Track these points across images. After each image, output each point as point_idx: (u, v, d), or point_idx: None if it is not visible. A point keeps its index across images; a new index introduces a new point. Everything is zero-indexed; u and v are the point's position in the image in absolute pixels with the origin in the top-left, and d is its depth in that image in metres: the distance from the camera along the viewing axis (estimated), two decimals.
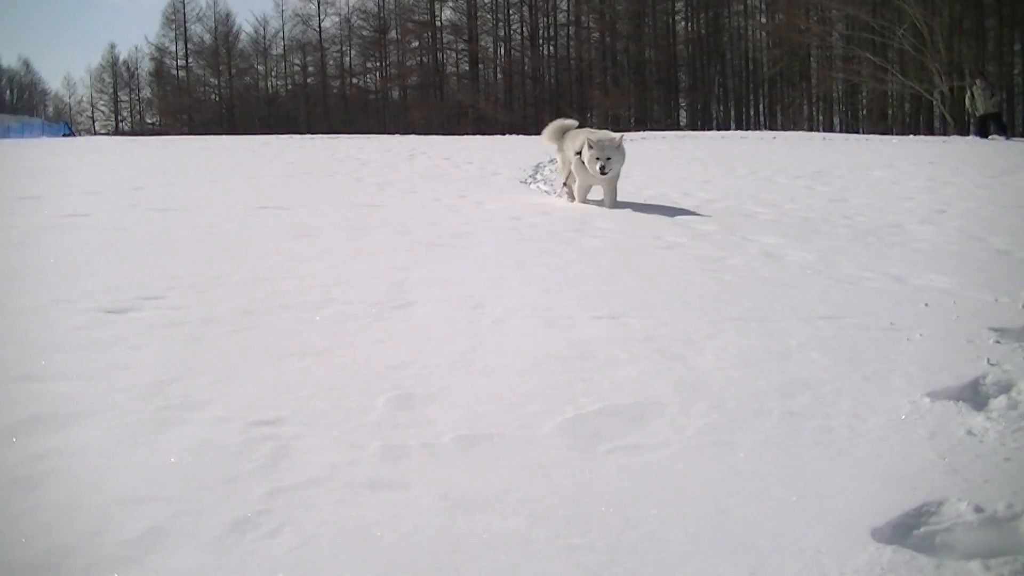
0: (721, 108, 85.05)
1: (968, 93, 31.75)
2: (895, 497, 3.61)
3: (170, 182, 15.31)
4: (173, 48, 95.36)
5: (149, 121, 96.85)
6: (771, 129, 64.18)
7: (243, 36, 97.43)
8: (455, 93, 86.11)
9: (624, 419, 4.35)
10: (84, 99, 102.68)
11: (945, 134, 46.19)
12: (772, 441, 4.16)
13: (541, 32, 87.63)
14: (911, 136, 39.33)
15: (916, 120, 67.18)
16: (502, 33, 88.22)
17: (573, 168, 12.13)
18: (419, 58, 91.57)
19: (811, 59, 75.51)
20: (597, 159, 11.58)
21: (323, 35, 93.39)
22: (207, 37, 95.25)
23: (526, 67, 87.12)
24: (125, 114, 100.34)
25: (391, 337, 5.68)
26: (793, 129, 61.06)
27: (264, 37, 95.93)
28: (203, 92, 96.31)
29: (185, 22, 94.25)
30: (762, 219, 11.30)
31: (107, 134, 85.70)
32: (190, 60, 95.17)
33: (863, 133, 51.29)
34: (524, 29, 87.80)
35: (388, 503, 3.48)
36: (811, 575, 3.08)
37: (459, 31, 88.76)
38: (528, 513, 3.43)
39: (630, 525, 3.37)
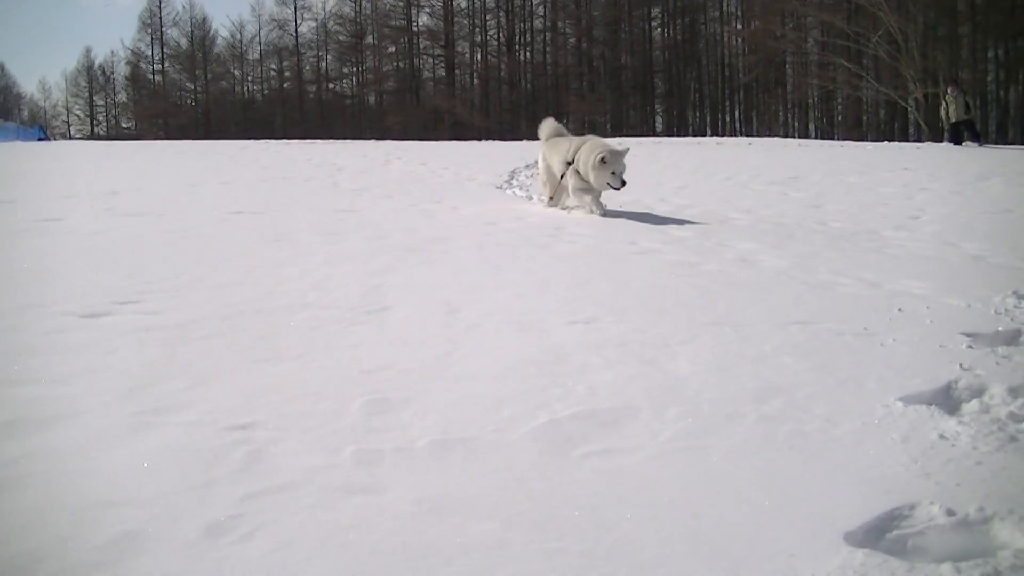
0: (697, 114, 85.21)
1: (942, 101, 31.87)
2: (868, 500, 3.63)
3: (145, 187, 15.29)
4: (149, 52, 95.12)
5: (125, 126, 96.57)
6: (747, 135, 64.52)
7: (219, 40, 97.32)
8: (431, 98, 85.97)
9: (598, 423, 4.37)
10: (59, 103, 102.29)
11: (919, 141, 46.30)
12: (746, 445, 4.18)
13: (518, 38, 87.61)
14: (886, 142, 39.51)
15: (891, 126, 67.40)
16: (479, 38, 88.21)
17: (571, 181, 11.97)
18: (395, 63, 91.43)
19: (787, 65, 75.70)
20: (613, 173, 11.54)
21: (300, 40, 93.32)
22: (183, 41, 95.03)
23: (502, 73, 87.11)
24: (101, 118, 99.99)
25: (366, 342, 5.69)
26: (769, 135, 61.28)
27: (240, 42, 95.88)
28: (179, 97, 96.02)
29: (161, 26, 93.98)
30: (737, 225, 11.33)
31: (82, 138, 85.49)
32: (166, 64, 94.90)
33: (838, 139, 51.51)
34: (501, 35, 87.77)
35: (363, 507, 3.49)
36: None
37: (436, 36, 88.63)
38: (502, 517, 3.44)
39: (604, 529, 3.38)
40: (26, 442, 3.99)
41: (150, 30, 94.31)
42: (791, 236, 10.48)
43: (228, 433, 4.13)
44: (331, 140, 39.28)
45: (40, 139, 57.29)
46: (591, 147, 11.83)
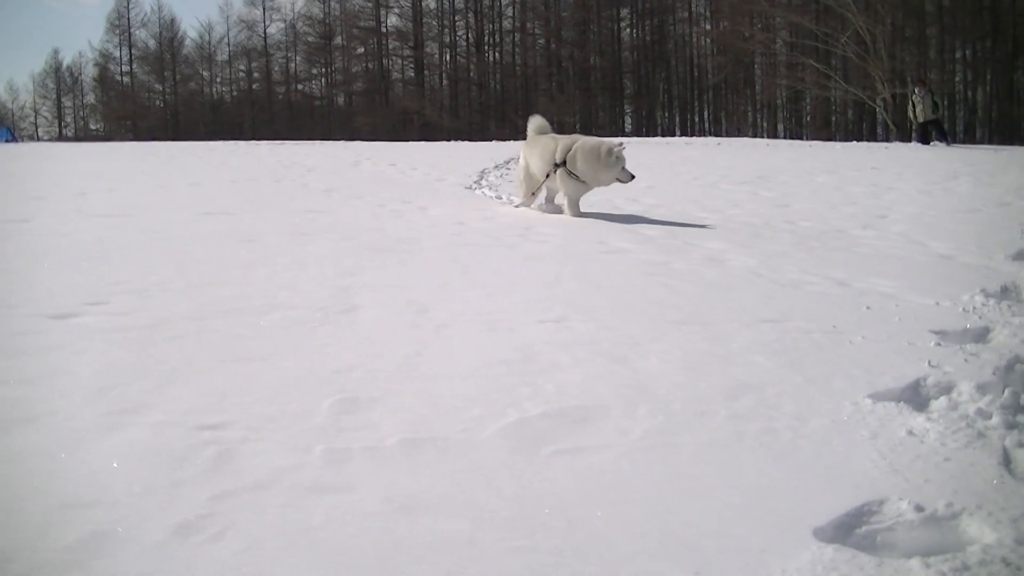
0: (666, 114, 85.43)
1: (910, 101, 31.99)
2: (837, 497, 3.65)
3: (114, 188, 15.22)
4: (117, 54, 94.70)
5: (93, 127, 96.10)
6: (716, 135, 64.58)
7: (188, 42, 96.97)
8: (401, 99, 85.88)
9: (568, 422, 4.37)
10: (27, 105, 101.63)
11: (888, 140, 46.62)
12: (716, 443, 4.19)
13: (487, 38, 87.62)
14: (854, 142, 39.69)
15: (859, 126, 67.73)
16: (448, 39, 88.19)
17: (565, 184, 11.87)
18: (364, 64, 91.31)
19: (755, 66, 75.98)
20: (623, 168, 11.62)
21: (268, 41, 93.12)
22: (152, 43, 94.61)
23: (472, 73, 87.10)
24: (69, 120, 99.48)
25: (336, 342, 5.68)
26: (737, 135, 61.43)
27: (209, 43, 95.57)
28: (148, 98, 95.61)
29: (129, 27, 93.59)
30: (706, 224, 11.36)
31: (50, 140, 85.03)
32: (134, 66, 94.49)
33: (807, 139, 51.71)
34: (470, 35, 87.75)
35: (332, 506, 3.48)
36: (754, 574, 3.11)
37: (405, 37, 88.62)
38: (472, 515, 3.45)
39: (574, 527, 3.38)
40: None
41: (118, 31, 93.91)
42: (759, 235, 10.52)
43: (197, 433, 4.12)
44: (300, 141, 39.20)
45: (7, 141, 56.95)
46: (591, 145, 11.80)
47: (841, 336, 5.98)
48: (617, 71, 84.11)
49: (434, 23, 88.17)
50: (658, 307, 6.79)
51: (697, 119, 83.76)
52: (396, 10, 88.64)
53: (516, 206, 12.58)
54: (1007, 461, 4.01)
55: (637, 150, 25.69)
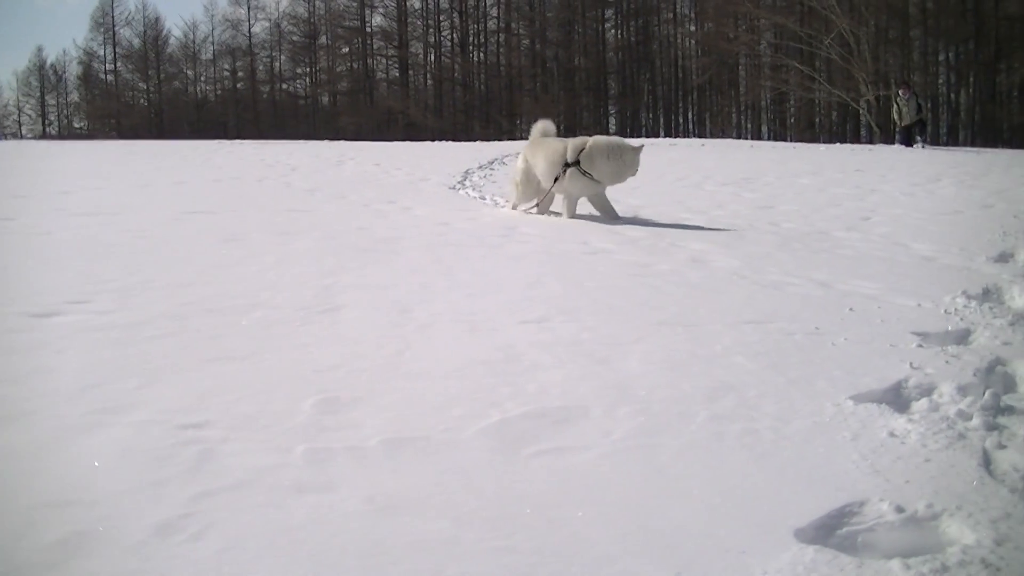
0: (650, 115, 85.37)
1: (893, 103, 32.05)
2: (818, 498, 3.65)
3: (97, 187, 15.20)
4: (101, 52, 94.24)
5: (77, 125, 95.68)
6: (700, 136, 64.64)
7: (172, 40, 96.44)
8: (385, 99, 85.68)
9: (549, 422, 4.38)
10: (10, 103, 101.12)
11: (871, 142, 46.69)
12: (697, 444, 4.20)
13: (471, 39, 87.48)
14: (838, 144, 39.72)
15: (843, 128, 67.79)
16: (432, 39, 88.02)
17: (577, 184, 11.76)
18: (349, 64, 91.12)
19: (740, 67, 76.02)
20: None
21: (253, 40, 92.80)
22: (136, 41, 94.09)
23: (456, 73, 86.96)
24: (52, 118, 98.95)
25: (318, 341, 5.69)
26: (722, 137, 61.42)
27: (194, 41, 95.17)
28: (132, 96, 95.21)
29: (114, 25, 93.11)
30: (690, 225, 11.37)
31: (34, 138, 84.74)
32: (119, 64, 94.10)
33: (791, 141, 51.86)
34: (454, 35, 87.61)
35: (314, 506, 3.49)
36: (735, 575, 3.12)
37: (389, 37, 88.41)
38: (453, 515, 3.45)
39: (555, 527, 3.39)
40: None
41: (102, 29, 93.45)
42: (743, 237, 10.53)
43: (179, 432, 4.12)
44: (284, 140, 39.14)
45: None
46: (611, 143, 11.87)
47: (823, 338, 5.99)
48: (602, 72, 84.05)
49: (419, 23, 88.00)
50: (641, 308, 6.80)
51: (681, 120, 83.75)
52: (381, 10, 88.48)
53: (512, 208, 12.44)
54: (987, 462, 4.02)
55: None
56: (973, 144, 54.47)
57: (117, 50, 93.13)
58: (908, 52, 64.89)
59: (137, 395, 4.61)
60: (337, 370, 5.10)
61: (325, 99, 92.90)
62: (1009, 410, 4.72)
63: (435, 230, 10.46)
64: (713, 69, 74.02)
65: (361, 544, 3.23)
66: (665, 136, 69.31)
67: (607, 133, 67.91)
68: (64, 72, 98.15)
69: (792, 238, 10.55)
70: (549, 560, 3.16)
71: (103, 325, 5.93)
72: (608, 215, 11.85)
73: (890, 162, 22.71)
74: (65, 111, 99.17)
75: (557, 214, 11.97)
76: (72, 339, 5.62)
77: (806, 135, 63.14)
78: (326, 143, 34.57)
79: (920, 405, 4.77)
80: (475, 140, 43.33)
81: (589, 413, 4.51)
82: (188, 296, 6.77)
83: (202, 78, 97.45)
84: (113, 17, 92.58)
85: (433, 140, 42.70)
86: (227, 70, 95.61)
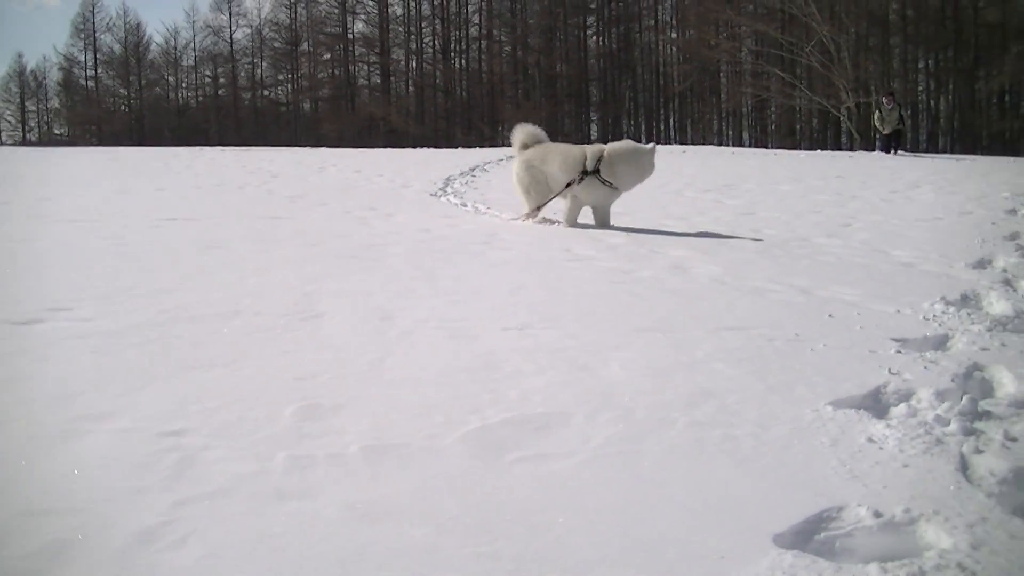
0: (632, 122, 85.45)
1: (876, 111, 32.16)
2: (797, 503, 3.67)
3: (78, 193, 15.19)
4: (82, 58, 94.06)
5: (57, 132, 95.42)
6: (681, 143, 64.81)
7: (153, 47, 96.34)
8: (367, 106, 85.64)
9: (530, 429, 4.38)
10: None
11: (852, 149, 46.79)
12: (678, 450, 4.21)
13: (453, 45, 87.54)
14: (819, 151, 39.88)
15: (823, 135, 68.02)
16: (414, 46, 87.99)
17: (595, 193, 11.75)
18: (331, 70, 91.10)
19: (721, 74, 76.18)
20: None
21: (234, 47, 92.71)
22: (117, 47, 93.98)
23: (438, 80, 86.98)
24: (32, 124, 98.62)
25: (299, 348, 5.69)
26: (703, 143, 61.69)
27: (175, 48, 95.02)
28: (113, 103, 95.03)
29: (95, 32, 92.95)
30: (671, 232, 11.40)
31: (14, 144, 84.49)
32: (99, 70, 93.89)
33: (772, 147, 51.95)
34: (436, 42, 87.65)
35: (294, 513, 3.49)
36: None
37: (371, 44, 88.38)
38: (434, 523, 3.45)
39: (536, 534, 3.39)
40: None
41: (83, 35, 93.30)
42: (724, 243, 10.57)
43: (160, 440, 4.11)
44: (266, 147, 39.08)
45: None
46: (630, 149, 11.91)
47: (803, 344, 6.02)
48: (583, 78, 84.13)
49: (401, 30, 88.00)
50: (622, 315, 6.81)
51: (663, 127, 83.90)
52: (363, 16, 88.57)
53: (527, 218, 12.17)
54: (964, 467, 4.05)
55: None
56: (952, 151, 54.67)
57: (98, 56, 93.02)
58: (888, 59, 65.20)
59: (118, 402, 4.61)
60: (318, 377, 5.10)
61: (307, 106, 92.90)
62: (986, 415, 4.74)
63: (417, 237, 10.47)
64: (694, 76, 74.22)
65: (342, 551, 3.23)
66: (647, 143, 69.31)
67: (588, 140, 68.28)
68: (44, 78, 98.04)
69: (773, 244, 10.59)
70: (530, 567, 3.17)
71: (84, 332, 5.91)
72: (604, 224, 11.85)
73: (870, 169, 22.85)
74: (45, 117, 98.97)
75: (552, 222, 11.97)
76: (53, 347, 5.61)
77: (787, 142, 63.25)
78: (308, 150, 34.55)
79: (898, 410, 4.79)
80: (457, 147, 43.39)
81: (570, 420, 4.52)
82: (169, 303, 6.76)
83: (183, 84, 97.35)
84: (94, 23, 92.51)
85: (415, 147, 42.75)
86: (208, 76, 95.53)
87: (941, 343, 6.16)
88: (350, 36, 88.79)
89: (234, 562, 3.15)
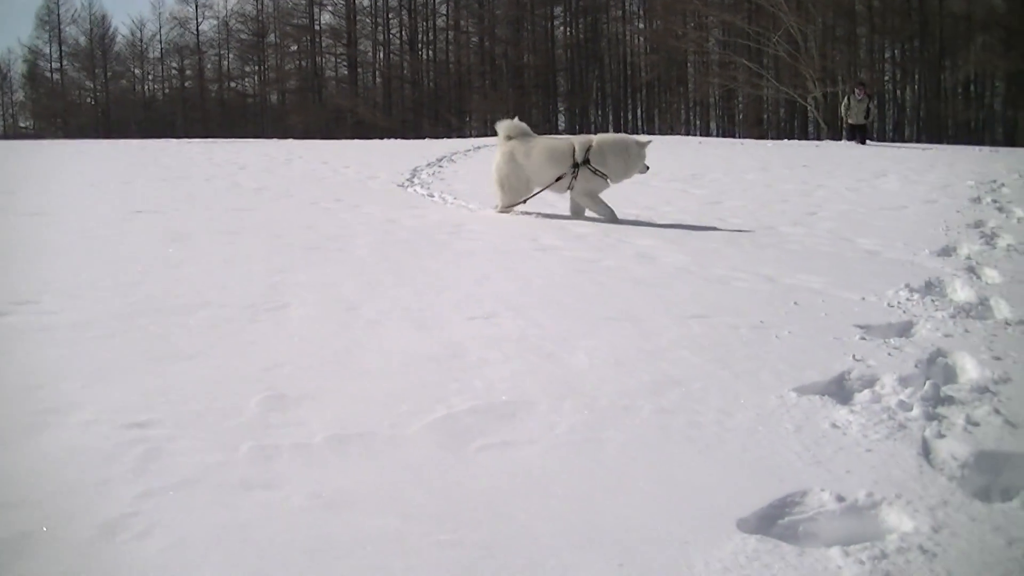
0: (599, 112, 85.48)
1: (844, 100, 32.18)
2: (761, 489, 3.70)
3: (43, 187, 15.08)
4: (47, 50, 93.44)
5: (22, 125, 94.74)
6: (649, 133, 64.75)
7: (119, 39, 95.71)
8: (334, 97, 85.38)
9: (495, 417, 4.40)
10: None
11: (819, 139, 46.96)
12: (642, 437, 4.23)
13: (420, 36, 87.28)
14: (785, 140, 39.98)
15: (791, 125, 68.23)
16: (381, 37, 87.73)
17: (588, 184, 11.60)
18: (298, 62, 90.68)
19: (688, 64, 76.19)
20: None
21: (201, 38, 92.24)
22: (82, 39, 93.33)
23: (405, 71, 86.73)
24: None
25: (265, 339, 5.69)
26: (671, 133, 61.71)
27: (141, 40, 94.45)
28: (78, 95, 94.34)
29: (59, 24, 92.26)
30: (638, 221, 11.42)
31: None
32: (65, 62, 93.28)
33: (739, 137, 52.07)
34: (403, 33, 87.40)
35: (260, 503, 3.49)
36: (677, 566, 3.15)
37: (338, 35, 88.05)
38: (399, 511, 3.46)
39: (500, 521, 3.41)
40: None
41: (48, 27, 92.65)
42: (690, 232, 10.60)
43: (125, 431, 4.11)
44: (233, 139, 38.92)
45: None
46: (616, 140, 11.90)
47: (768, 331, 6.05)
48: (550, 69, 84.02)
49: (368, 21, 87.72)
50: (588, 304, 6.83)
51: (630, 117, 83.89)
52: (330, 7, 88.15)
53: (502, 211, 11.99)
54: (926, 451, 4.09)
55: None
56: (918, 140, 54.97)
57: (63, 48, 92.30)
58: (855, 49, 65.39)
59: (82, 395, 4.60)
60: (284, 367, 5.10)
61: (274, 98, 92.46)
62: (949, 400, 4.80)
63: (383, 228, 10.46)
64: (662, 66, 74.32)
65: (307, 540, 3.24)
66: (614, 133, 69.34)
67: (556, 130, 68.39)
68: (9, 71, 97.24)
69: (739, 233, 10.62)
70: (494, 553, 3.19)
71: (49, 325, 5.89)
72: (579, 215, 11.81)
73: (837, 158, 22.93)
74: (10, 110, 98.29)
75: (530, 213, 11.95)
76: (17, 340, 5.59)
77: (754, 132, 63.39)
78: (275, 142, 34.38)
79: (862, 396, 4.84)
80: (424, 138, 43.24)
81: (535, 408, 4.54)
82: (135, 295, 6.74)
83: (150, 77, 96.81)
84: (59, 15, 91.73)
85: (382, 138, 42.58)
86: (175, 69, 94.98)
87: (905, 330, 6.21)
88: (317, 27, 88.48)
89: (199, 552, 3.15)
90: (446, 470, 3.82)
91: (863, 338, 5.91)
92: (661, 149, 26.79)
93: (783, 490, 3.69)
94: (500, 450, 4.03)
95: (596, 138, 11.81)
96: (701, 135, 61.77)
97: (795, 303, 6.88)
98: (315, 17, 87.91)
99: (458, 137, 45.01)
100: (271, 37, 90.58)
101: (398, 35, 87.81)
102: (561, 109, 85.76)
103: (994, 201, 14.10)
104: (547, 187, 11.73)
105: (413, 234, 10.00)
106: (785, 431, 4.32)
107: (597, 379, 5.02)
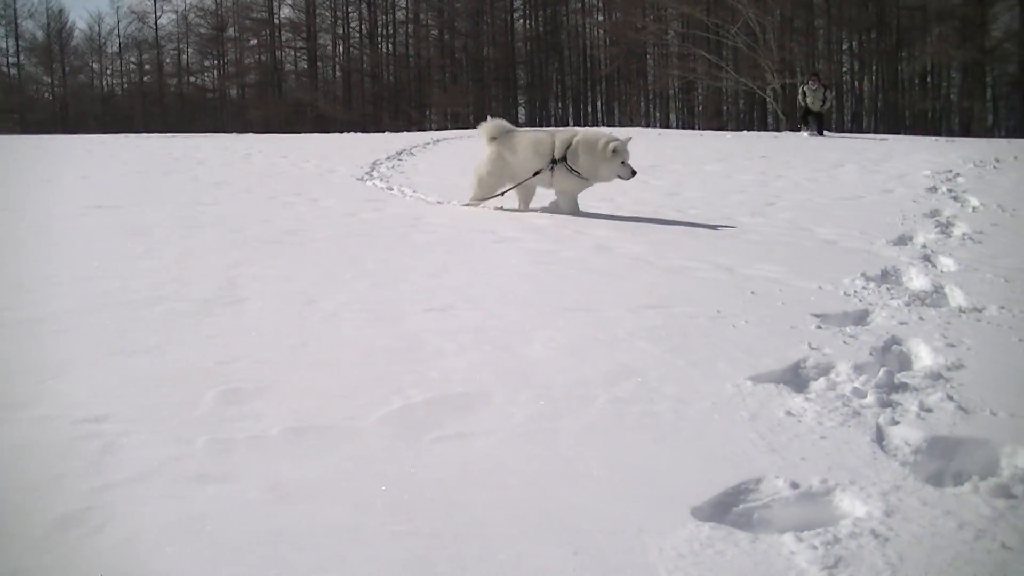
0: (559, 105, 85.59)
1: (801, 91, 32.31)
2: (715, 476, 3.72)
3: None
4: (3, 45, 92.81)
5: None
6: (609, 125, 64.86)
7: (77, 33, 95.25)
8: (294, 91, 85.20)
9: (451, 408, 4.41)
10: None
11: (778, 130, 47.19)
12: (597, 426, 4.25)
13: (380, 30, 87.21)
14: (745, 132, 40.10)
15: (750, 116, 68.53)
16: (341, 31, 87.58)
17: (565, 181, 11.32)
18: (257, 56, 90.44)
19: (648, 56, 76.42)
20: (623, 163, 11.11)
21: (160, 32, 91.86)
22: (39, 34, 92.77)
23: (365, 65, 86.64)
24: None
25: (221, 333, 5.68)
26: (630, 125, 61.78)
27: (99, 34, 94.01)
28: (36, 90, 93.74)
29: (16, 18, 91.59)
30: (596, 213, 11.42)
31: None
32: (21, 57, 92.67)
33: (699, 129, 52.26)
34: (363, 27, 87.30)
35: (215, 496, 3.49)
36: (632, 553, 3.17)
37: (298, 29, 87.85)
38: (354, 502, 3.47)
39: (455, 511, 3.42)
40: None
41: (4, 22, 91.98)
42: (648, 223, 10.62)
43: (80, 426, 4.10)
44: (192, 134, 38.77)
45: None
46: (591, 138, 11.38)
47: (725, 320, 6.08)
48: (510, 62, 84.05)
49: (327, 14, 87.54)
50: (545, 295, 6.85)
51: (590, 109, 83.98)
52: (289, 2, 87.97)
53: (474, 204, 11.89)
54: (880, 438, 4.13)
55: None
56: (876, 130, 55.36)
57: (20, 43, 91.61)
58: (813, 41, 65.83)
59: (37, 391, 4.58)
60: (240, 361, 5.09)
61: (233, 92, 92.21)
62: (903, 387, 4.85)
63: (342, 221, 10.45)
64: (621, 59, 74.42)
65: (263, 532, 3.24)
66: (574, 125, 69.46)
67: (516, 123, 68.23)
68: None
69: (697, 224, 10.66)
70: (449, 543, 3.19)
71: (3, 321, 5.87)
72: (574, 212, 11.51)
73: (795, 149, 23.03)
74: None
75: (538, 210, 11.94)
76: None
77: (714, 123, 63.75)
78: (234, 136, 34.28)
79: (817, 384, 4.89)
80: (384, 131, 43.22)
81: (491, 399, 4.55)
82: (91, 290, 6.72)
83: (108, 71, 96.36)
84: (15, 9, 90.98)
85: (342, 132, 42.52)
86: (134, 63, 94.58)
87: (861, 318, 6.27)
88: (276, 21, 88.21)
89: (154, 545, 3.15)
90: (401, 461, 3.82)
91: (819, 327, 5.96)
92: None
93: (738, 477, 3.71)
94: (455, 441, 4.04)
95: (579, 135, 11.49)
96: (661, 127, 61.84)
97: (752, 293, 6.92)
98: (274, 11, 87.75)
99: (418, 130, 45.08)
100: (230, 31, 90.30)
101: (358, 29, 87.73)
102: (521, 102, 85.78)
103: (950, 191, 14.23)
104: (524, 181, 11.53)
105: (372, 227, 9.99)
106: (740, 419, 4.35)
107: (553, 369, 5.03)
